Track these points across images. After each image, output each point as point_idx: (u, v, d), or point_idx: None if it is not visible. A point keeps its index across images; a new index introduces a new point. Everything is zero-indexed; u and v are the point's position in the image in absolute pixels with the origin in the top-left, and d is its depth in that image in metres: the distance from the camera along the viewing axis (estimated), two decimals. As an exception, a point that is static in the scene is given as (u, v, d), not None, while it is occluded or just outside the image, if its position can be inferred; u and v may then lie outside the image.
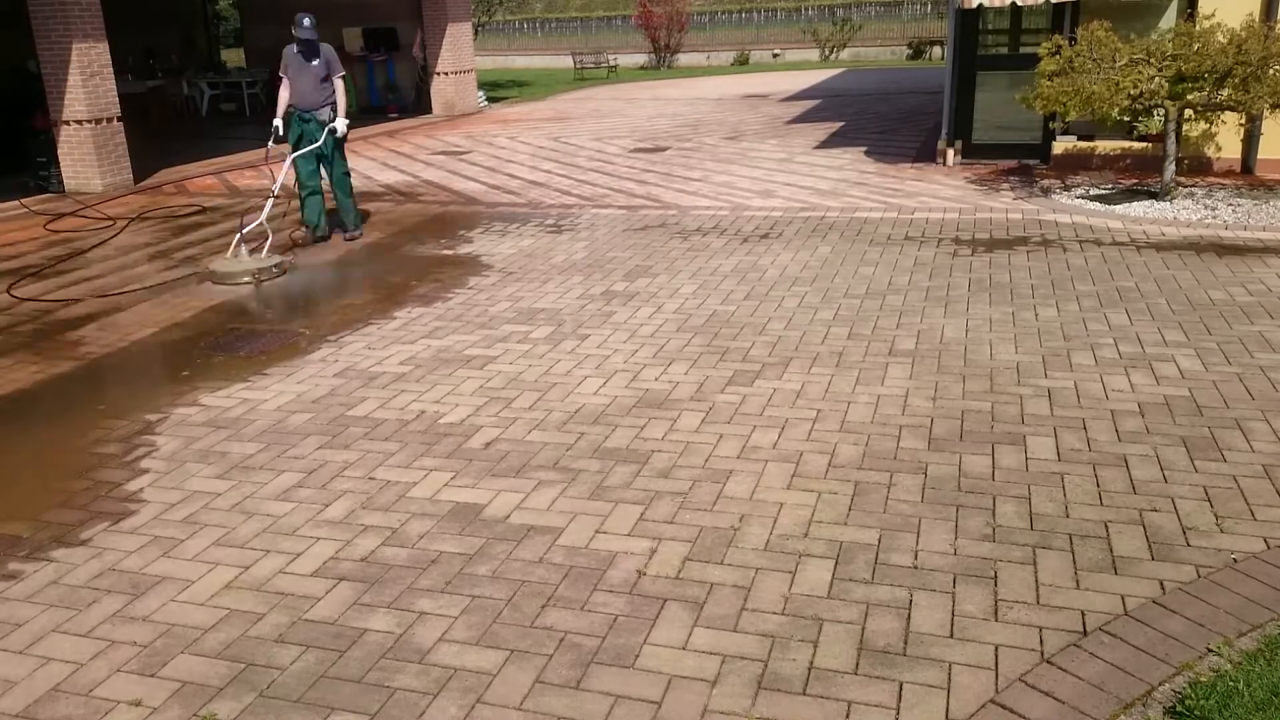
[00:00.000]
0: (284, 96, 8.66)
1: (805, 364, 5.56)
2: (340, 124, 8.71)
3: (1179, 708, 2.77)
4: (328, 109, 8.74)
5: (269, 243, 8.34)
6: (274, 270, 7.92)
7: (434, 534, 3.93)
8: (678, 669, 3.07)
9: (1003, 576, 3.47)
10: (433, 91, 19.35)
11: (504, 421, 4.97)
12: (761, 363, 5.61)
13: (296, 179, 8.86)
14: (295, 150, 8.69)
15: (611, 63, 30.21)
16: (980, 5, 10.43)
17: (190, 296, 7.52)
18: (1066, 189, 9.86)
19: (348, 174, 9.15)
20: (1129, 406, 4.84)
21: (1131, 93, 8.78)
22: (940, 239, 8.18)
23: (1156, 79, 8.80)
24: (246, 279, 7.75)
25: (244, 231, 8.24)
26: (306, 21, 8.45)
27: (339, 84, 8.74)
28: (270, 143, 8.75)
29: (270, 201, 8.53)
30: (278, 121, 8.79)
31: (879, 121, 15.95)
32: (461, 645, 3.23)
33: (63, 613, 3.52)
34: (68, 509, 4.28)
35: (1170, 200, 9.04)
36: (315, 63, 8.60)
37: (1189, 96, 8.91)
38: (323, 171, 8.97)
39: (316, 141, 8.68)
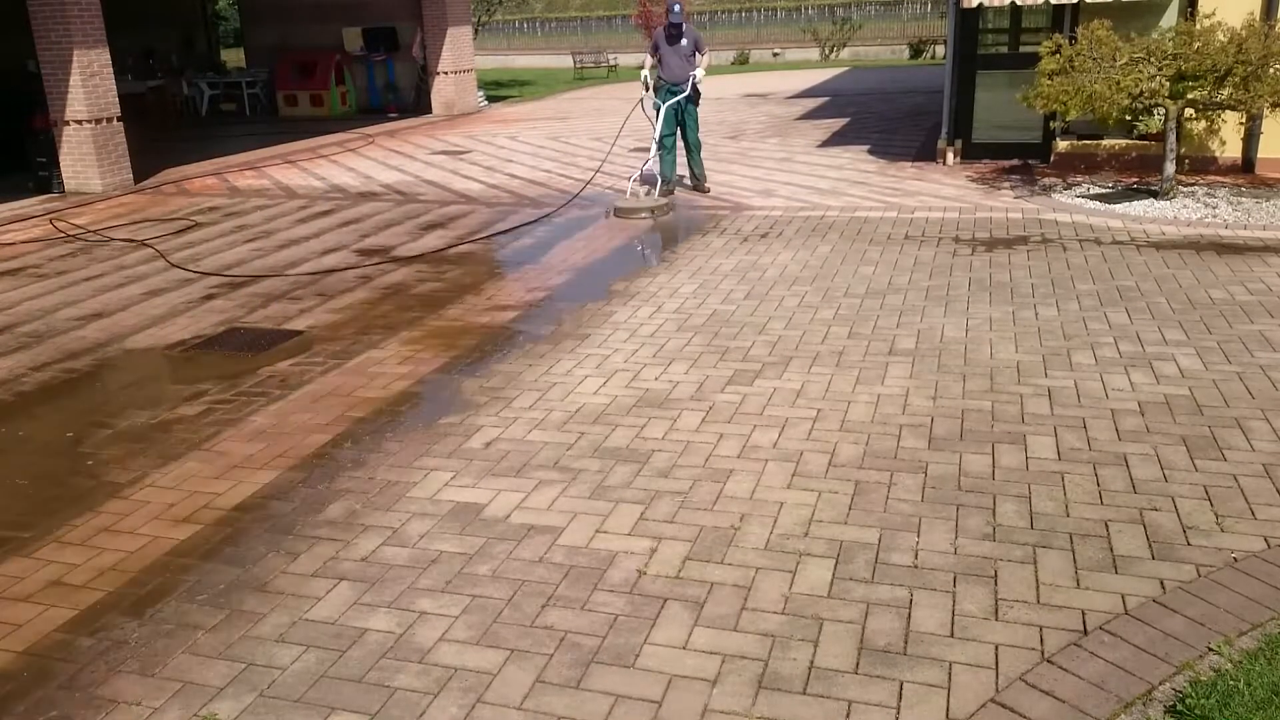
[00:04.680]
0: (648, 63, 10.34)
1: (805, 363, 5.56)
2: (699, 71, 10.24)
3: (1179, 707, 2.77)
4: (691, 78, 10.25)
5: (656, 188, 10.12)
6: (665, 208, 9.67)
7: (434, 534, 3.93)
8: (678, 668, 3.07)
9: (1003, 576, 3.47)
10: (433, 91, 19.35)
11: (504, 421, 4.97)
12: (761, 362, 5.61)
13: (657, 136, 10.20)
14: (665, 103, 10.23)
15: (611, 62, 30.20)
16: (980, 4, 10.43)
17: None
18: (1067, 188, 9.85)
19: (698, 140, 10.64)
20: (1129, 405, 4.84)
21: (1132, 92, 8.77)
22: (940, 238, 8.18)
23: (1157, 78, 8.80)
24: (644, 215, 9.50)
25: (636, 176, 10.08)
26: (676, 8, 10.04)
27: (703, 59, 10.33)
28: (644, 90, 10.48)
29: (654, 147, 10.19)
30: (645, 73, 10.39)
31: (879, 121, 15.94)
32: (462, 645, 3.23)
33: (63, 613, 3.52)
34: (66, 505, 4.29)
35: (1171, 199, 9.04)
36: (683, 43, 10.13)
37: (1189, 95, 8.91)
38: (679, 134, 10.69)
39: (682, 98, 10.25)
